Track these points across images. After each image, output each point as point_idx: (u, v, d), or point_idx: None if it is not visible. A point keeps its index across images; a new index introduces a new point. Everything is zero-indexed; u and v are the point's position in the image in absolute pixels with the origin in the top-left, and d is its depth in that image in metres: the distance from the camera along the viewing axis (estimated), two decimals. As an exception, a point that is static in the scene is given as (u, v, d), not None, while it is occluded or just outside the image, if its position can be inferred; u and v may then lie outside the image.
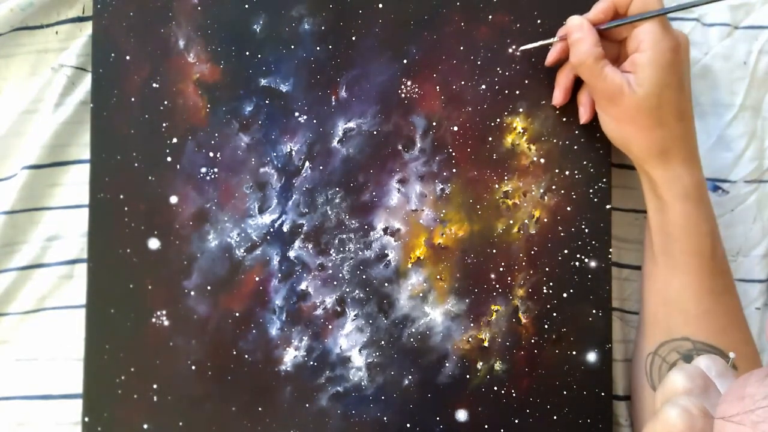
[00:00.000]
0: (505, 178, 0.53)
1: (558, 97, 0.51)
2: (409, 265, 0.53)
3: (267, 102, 0.53)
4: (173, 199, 0.53)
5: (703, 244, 0.48)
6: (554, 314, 0.52)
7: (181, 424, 0.53)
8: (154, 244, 0.53)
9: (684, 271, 0.48)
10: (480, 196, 0.53)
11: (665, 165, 0.48)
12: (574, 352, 0.52)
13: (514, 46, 0.52)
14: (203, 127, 0.53)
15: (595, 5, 0.49)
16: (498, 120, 0.53)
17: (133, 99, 0.53)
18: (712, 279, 0.48)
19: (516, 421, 0.52)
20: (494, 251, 0.53)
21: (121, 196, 0.53)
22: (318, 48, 0.53)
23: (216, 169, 0.53)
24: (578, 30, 0.48)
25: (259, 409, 0.53)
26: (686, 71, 0.48)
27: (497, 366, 0.52)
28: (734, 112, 0.55)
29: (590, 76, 0.48)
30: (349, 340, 0.53)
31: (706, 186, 0.49)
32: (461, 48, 0.53)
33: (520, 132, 0.53)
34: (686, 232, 0.48)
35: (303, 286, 0.53)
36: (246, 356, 0.53)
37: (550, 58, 0.51)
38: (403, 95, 0.53)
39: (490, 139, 0.53)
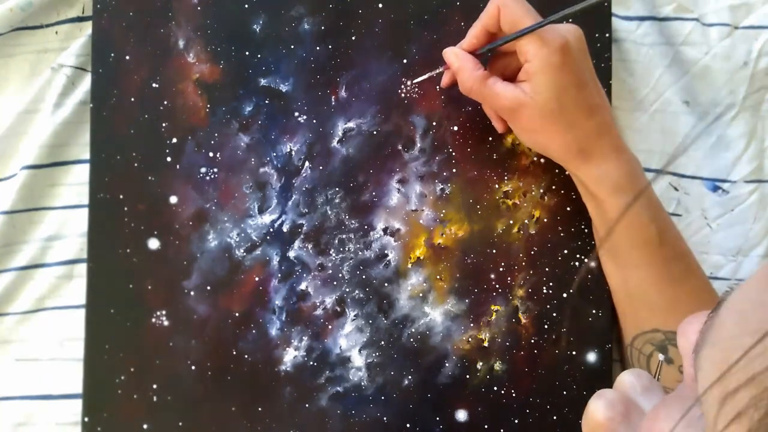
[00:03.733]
0: (505, 178, 0.53)
1: (500, 127, 0.52)
2: (409, 265, 0.53)
3: (267, 102, 0.53)
4: (173, 199, 0.53)
5: (647, 234, 0.47)
6: (554, 314, 0.52)
7: (181, 424, 0.53)
8: (153, 244, 0.53)
9: (636, 264, 0.48)
10: (480, 196, 0.53)
11: (588, 164, 0.47)
12: (574, 352, 0.52)
13: (408, 82, 0.53)
14: (203, 127, 0.53)
15: (468, 32, 0.49)
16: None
17: (132, 99, 0.53)
18: (666, 266, 0.47)
19: (516, 421, 0.52)
20: (494, 251, 0.53)
21: (121, 196, 0.53)
22: (318, 48, 0.53)
23: (216, 169, 0.53)
24: (454, 60, 0.48)
25: (259, 409, 0.53)
26: (584, 66, 0.47)
27: (497, 366, 0.52)
28: (734, 112, 0.55)
29: (484, 98, 0.48)
30: (349, 340, 0.53)
31: (639, 172, 0.48)
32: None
33: (520, 132, 0.53)
34: (627, 225, 0.47)
35: (303, 286, 0.53)
36: (246, 356, 0.53)
37: (444, 83, 0.52)
38: (402, 95, 0.53)
39: (490, 139, 0.53)
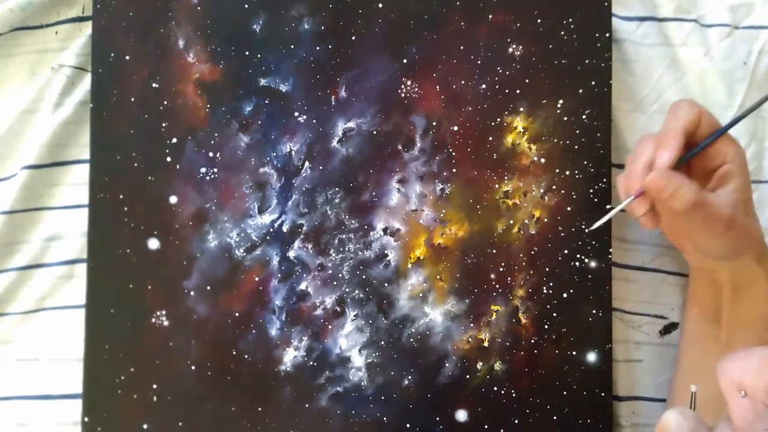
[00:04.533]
0: (506, 178, 0.53)
1: (648, 223, 0.48)
2: (409, 265, 0.53)
3: (267, 102, 0.53)
4: (173, 199, 0.53)
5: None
6: (554, 314, 0.52)
7: (181, 424, 0.53)
8: (153, 244, 0.53)
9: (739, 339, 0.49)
10: (480, 196, 0.53)
11: (756, 264, 0.48)
12: (574, 353, 0.52)
13: (585, 229, 0.52)
14: (203, 127, 0.53)
15: (666, 142, 0.45)
16: (498, 120, 0.53)
17: (132, 99, 0.53)
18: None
19: (516, 421, 0.52)
20: (494, 251, 0.53)
21: (121, 196, 0.53)
22: (318, 48, 0.53)
23: (216, 169, 0.53)
24: (668, 183, 0.44)
25: (259, 409, 0.53)
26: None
27: (497, 366, 0.52)
28: (734, 112, 0.55)
29: (702, 218, 0.45)
30: (349, 340, 0.53)
31: None
32: (461, 48, 0.53)
33: (520, 132, 0.53)
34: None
35: (303, 286, 0.53)
36: (246, 356, 0.53)
37: (642, 210, 0.47)
38: (402, 95, 0.53)
39: (490, 138, 0.53)
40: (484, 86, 0.53)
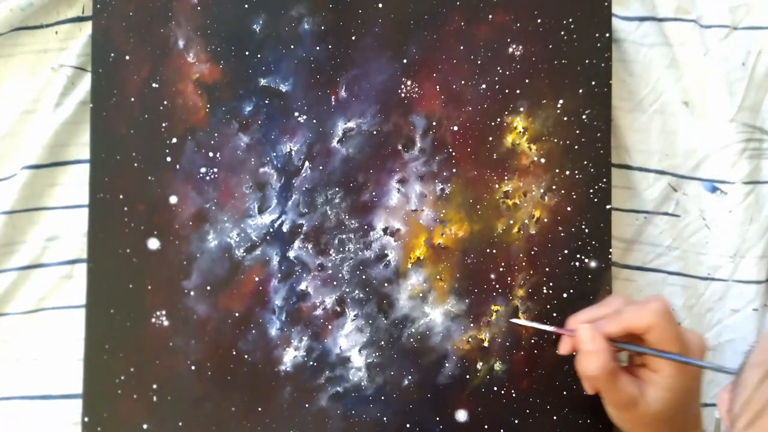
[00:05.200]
0: (506, 178, 0.53)
1: (590, 390, 0.48)
2: (409, 266, 0.53)
3: (267, 102, 0.53)
4: (173, 199, 0.53)
5: None
6: (554, 314, 0.52)
7: (181, 424, 0.53)
8: (153, 244, 0.53)
9: None
10: (480, 196, 0.53)
11: None
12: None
13: (512, 320, 0.52)
14: (203, 127, 0.53)
15: (605, 315, 0.47)
16: (498, 120, 0.53)
17: (132, 99, 0.53)
18: None
19: (516, 421, 0.52)
20: (494, 251, 0.53)
21: (121, 196, 0.53)
22: (318, 48, 0.53)
23: (216, 169, 0.53)
24: (590, 343, 0.46)
25: (259, 409, 0.53)
26: (701, 383, 0.48)
27: (497, 366, 0.52)
28: (733, 113, 0.55)
29: (602, 387, 0.46)
30: (349, 341, 0.53)
31: None
32: (461, 47, 0.53)
33: (520, 132, 0.53)
34: None
35: (303, 286, 0.53)
36: (246, 356, 0.53)
37: (563, 351, 0.49)
38: (402, 95, 0.53)
39: (490, 138, 0.53)
40: (484, 86, 0.53)
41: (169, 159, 0.53)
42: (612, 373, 0.45)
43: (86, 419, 0.53)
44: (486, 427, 0.52)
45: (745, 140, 0.55)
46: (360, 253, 0.53)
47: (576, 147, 0.52)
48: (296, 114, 0.53)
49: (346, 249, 0.53)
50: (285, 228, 0.53)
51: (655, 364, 0.46)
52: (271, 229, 0.53)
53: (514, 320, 0.52)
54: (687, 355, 0.45)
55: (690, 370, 0.46)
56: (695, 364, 0.45)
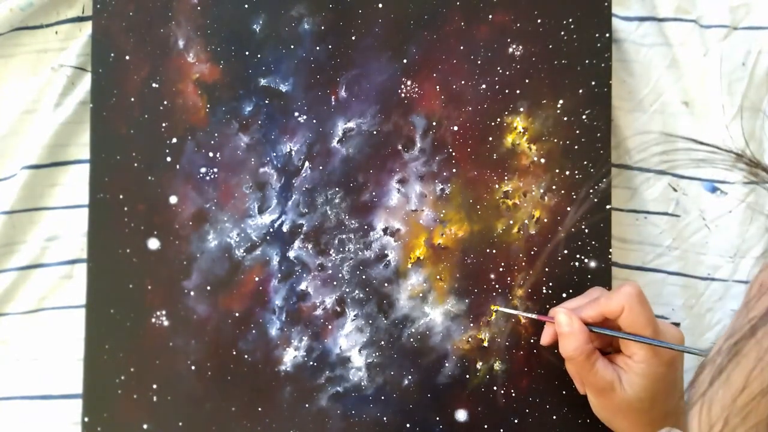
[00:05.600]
0: (506, 178, 0.53)
1: (581, 390, 0.50)
2: (409, 266, 0.53)
3: (267, 102, 0.53)
4: (173, 199, 0.53)
5: None
6: (554, 314, 0.52)
7: (181, 424, 0.53)
8: (153, 244, 0.53)
9: None
10: (480, 197, 0.53)
11: None
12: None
13: (493, 307, 0.53)
14: (203, 127, 0.53)
15: (585, 303, 0.48)
16: (498, 120, 0.53)
17: (132, 99, 0.53)
18: None
19: (515, 421, 0.52)
20: (494, 251, 0.53)
21: (121, 196, 0.53)
22: (318, 48, 0.53)
23: (216, 169, 0.53)
24: (567, 326, 0.47)
25: (259, 409, 0.53)
26: (681, 374, 0.47)
27: (497, 366, 0.52)
28: (732, 113, 0.55)
29: (580, 371, 0.47)
30: (349, 340, 0.53)
31: None
32: (461, 47, 0.53)
33: (520, 132, 0.53)
34: None
35: (303, 286, 0.53)
36: (246, 356, 0.53)
37: (545, 341, 0.50)
38: (402, 95, 0.53)
39: (490, 138, 0.53)
40: (484, 86, 0.53)
41: (169, 159, 0.53)
42: (589, 356, 0.46)
43: (86, 419, 0.53)
44: (486, 426, 0.52)
45: (746, 140, 0.55)
46: (360, 253, 0.53)
47: (576, 147, 0.52)
48: (296, 114, 0.53)
49: (346, 249, 0.53)
50: (285, 228, 0.53)
51: (628, 349, 0.46)
52: (271, 229, 0.53)
53: (496, 307, 0.52)
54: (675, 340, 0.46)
55: (664, 356, 0.45)
56: (663, 345, 0.45)
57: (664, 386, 0.46)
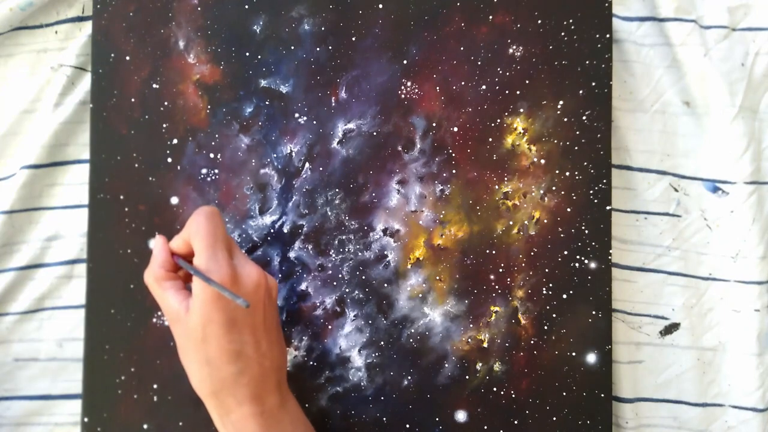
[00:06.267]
0: (505, 179, 0.53)
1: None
2: (409, 266, 0.53)
3: (267, 103, 0.53)
4: (174, 200, 0.53)
5: None
6: (554, 315, 0.52)
7: (181, 424, 0.53)
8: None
9: None
10: (480, 197, 0.53)
11: (220, 409, 0.45)
12: (573, 354, 0.52)
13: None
14: (203, 128, 0.53)
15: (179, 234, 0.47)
16: (498, 120, 0.53)
17: (133, 99, 0.53)
18: None
19: (515, 422, 0.52)
20: (494, 252, 0.53)
21: (121, 197, 0.53)
22: (318, 49, 0.53)
23: (216, 170, 0.53)
24: (155, 247, 0.47)
25: (259, 409, 0.53)
26: (243, 311, 0.44)
27: (496, 367, 0.52)
28: (733, 113, 0.55)
29: (155, 295, 0.46)
30: (349, 341, 0.53)
31: (278, 420, 0.46)
32: (461, 48, 0.53)
33: (520, 133, 0.53)
34: None
35: (303, 286, 0.53)
36: (246, 356, 0.53)
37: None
38: (403, 96, 0.53)
39: (490, 139, 0.53)
40: (484, 87, 0.53)
41: (169, 160, 0.53)
42: (159, 279, 0.45)
43: (86, 419, 0.53)
44: (485, 427, 0.52)
45: (746, 141, 0.55)
46: (360, 253, 0.53)
47: (576, 148, 0.52)
48: (296, 115, 0.53)
49: (346, 250, 0.53)
50: (285, 229, 0.53)
51: (195, 279, 0.44)
52: (272, 230, 0.53)
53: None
54: (232, 281, 0.44)
55: (214, 296, 0.43)
56: (200, 276, 0.43)
57: (218, 315, 0.43)
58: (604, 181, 0.52)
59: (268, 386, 0.46)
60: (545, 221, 0.53)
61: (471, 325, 0.53)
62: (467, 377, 0.52)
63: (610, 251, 0.52)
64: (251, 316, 0.45)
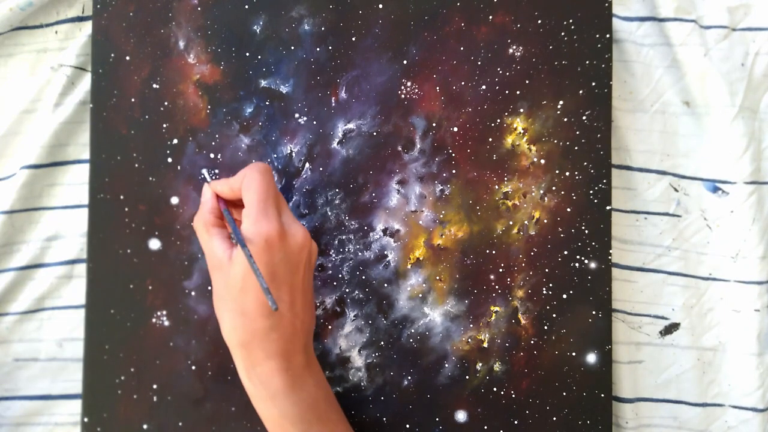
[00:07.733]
0: (505, 179, 0.53)
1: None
2: (409, 266, 0.53)
3: (267, 103, 0.53)
4: (174, 200, 0.53)
5: None
6: (554, 315, 0.52)
7: (180, 424, 0.53)
8: (154, 244, 0.53)
9: None
10: (480, 197, 0.53)
11: (247, 360, 0.45)
12: (573, 354, 0.52)
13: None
14: (204, 128, 0.53)
15: (216, 189, 0.48)
16: (498, 120, 0.53)
17: (133, 99, 0.53)
18: None
19: (515, 422, 0.52)
20: (494, 252, 0.53)
21: (121, 197, 0.53)
22: (318, 49, 0.53)
23: (217, 170, 0.53)
24: (203, 195, 0.48)
25: (259, 409, 0.53)
26: (284, 269, 0.45)
27: (496, 367, 0.52)
28: (734, 113, 0.55)
29: (201, 240, 0.47)
30: (349, 341, 0.53)
31: (309, 389, 0.47)
32: (461, 48, 0.53)
33: (520, 133, 0.53)
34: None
35: (303, 286, 0.53)
36: (246, 356, 0.53)
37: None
38: (402, 96, 0.53)
39: (490, 139, 0.53)
40: (484, 87, 0.53)
41: (170, 160, 0.53)
42: (207, 225, 0.47)
43: (86, 419, 0.53)
44: (485, 427, 0.52)
45: (746, 141, 0.55)
46: (360, 253, 0.53)
47: (576, 148, 0.52)
48: (296, 115, 0.53)
49: (346, 249, 0.53)
50: (285, 228, 0.53)
51: (243, 229, 0.44)
52: (271, 230, 0.53)
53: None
54: (280, 238, 0.44)
55: (263, 233, 0.43)
56: (239, 242, 0.43)
57: (259, 267, 0.43)
58: (604, 181, 0.52)
59: (296, 346, 0.46)
60: (545, 221, 0.53)
61: (471, 325, 0.53)
62: (467, 377, 0.52)
63: (610, 251, 0.52)
64: (291, 275, 0.45)
